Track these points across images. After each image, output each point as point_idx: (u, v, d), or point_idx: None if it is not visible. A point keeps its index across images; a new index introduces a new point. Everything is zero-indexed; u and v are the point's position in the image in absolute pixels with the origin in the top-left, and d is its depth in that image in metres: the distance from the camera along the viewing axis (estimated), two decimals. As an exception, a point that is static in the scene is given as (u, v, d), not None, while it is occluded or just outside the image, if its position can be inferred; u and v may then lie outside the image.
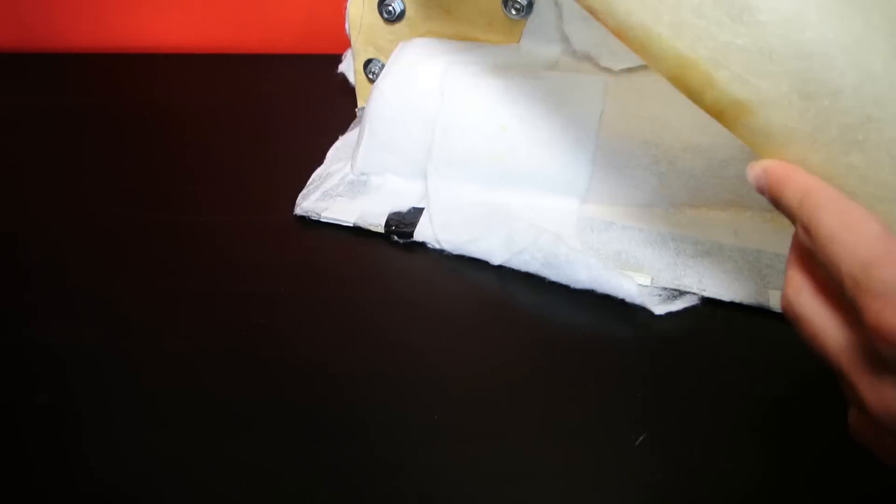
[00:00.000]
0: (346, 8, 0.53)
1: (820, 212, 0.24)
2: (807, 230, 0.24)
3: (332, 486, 0.33)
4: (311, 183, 0.52)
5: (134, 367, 0.39)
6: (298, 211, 0.49)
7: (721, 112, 0.28)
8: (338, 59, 0.62)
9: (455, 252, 0.45)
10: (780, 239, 0.43)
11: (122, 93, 0.66)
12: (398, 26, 0.52)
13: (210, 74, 0.69)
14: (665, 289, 0.42)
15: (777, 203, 0.27)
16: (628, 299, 0.41)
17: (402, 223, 0.47)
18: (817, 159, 0.26)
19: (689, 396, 0.36)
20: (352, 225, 0.48)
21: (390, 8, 0.51)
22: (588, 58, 0.46)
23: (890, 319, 0.21)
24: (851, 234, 0.23)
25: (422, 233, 0.46)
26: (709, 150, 0.44)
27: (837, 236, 0.23)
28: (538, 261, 0.43)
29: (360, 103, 0.57)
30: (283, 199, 0.50)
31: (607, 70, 0.46)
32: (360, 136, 0.51)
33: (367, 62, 0.54)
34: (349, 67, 0.59)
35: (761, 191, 0.27)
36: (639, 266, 0.43)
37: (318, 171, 0.53)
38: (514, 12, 0.48)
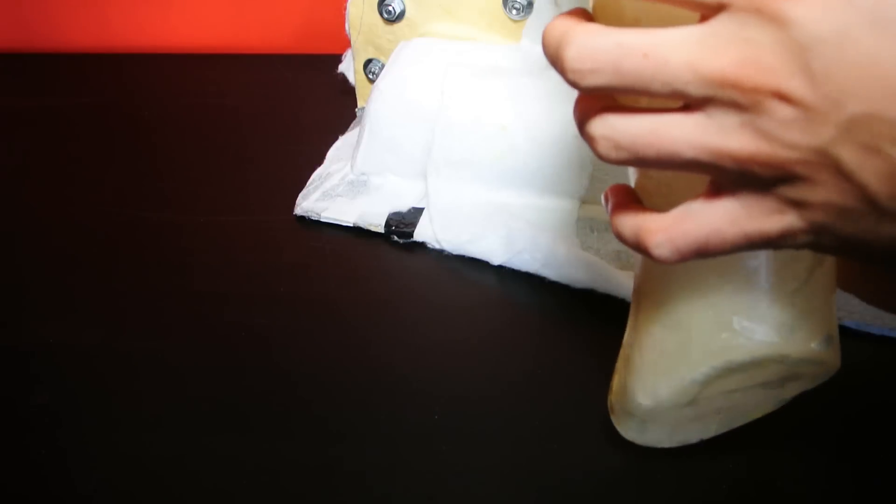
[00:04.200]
0: (346, 8, 0.53)
1: None
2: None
3: (331, 486, 0.33)
4: (311, 183, 0.52)
5: (133, 368, 0.39)
6: (298, 211, 0.49)
7: None
8: (338, 59, 0.62)
9: (455, 252, 0.45)
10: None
11: (121, 93, 0.66)
12: (398, 26, 0.52)
13: (210, 74, 0.69)
14: (665, 289, 0.42)
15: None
16: (628, 299, 0.41)
17: (402, 223, 0.47)
18: None
19: (689, 396, 0.36)
20: (352, 225, 0.48)
21: (390, 8, 0.51)
22: (588, 58, 0.46)
23: None
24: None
25: (422, 233, 0.46)
26: (709, 150, 0.44)
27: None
28: (538, 261, 0.43)
29: (360, 103, 0.58)
30: (283, 199, 0.50)
31: (607, 70, 0.46)
32: (360, 136, 0.51)
33: (367, 62, 0.54)
34: (349, 67, 0.59)
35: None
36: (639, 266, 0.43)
37: (318, 171, 0.53)
38: (514, 12, 0.48)
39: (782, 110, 0.20)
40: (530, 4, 0.48)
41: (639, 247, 0.24)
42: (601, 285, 0.41)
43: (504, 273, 0.44)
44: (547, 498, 0.32)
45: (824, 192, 0.21)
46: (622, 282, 0.41)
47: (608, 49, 0.21)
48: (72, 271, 0.46)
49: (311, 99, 0.63)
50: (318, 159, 0.54)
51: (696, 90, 0.20)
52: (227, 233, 0.48)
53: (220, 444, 0.35)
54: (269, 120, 0.61)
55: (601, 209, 0.46)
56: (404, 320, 0.42)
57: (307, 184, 0.51)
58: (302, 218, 0.49)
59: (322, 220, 0.48)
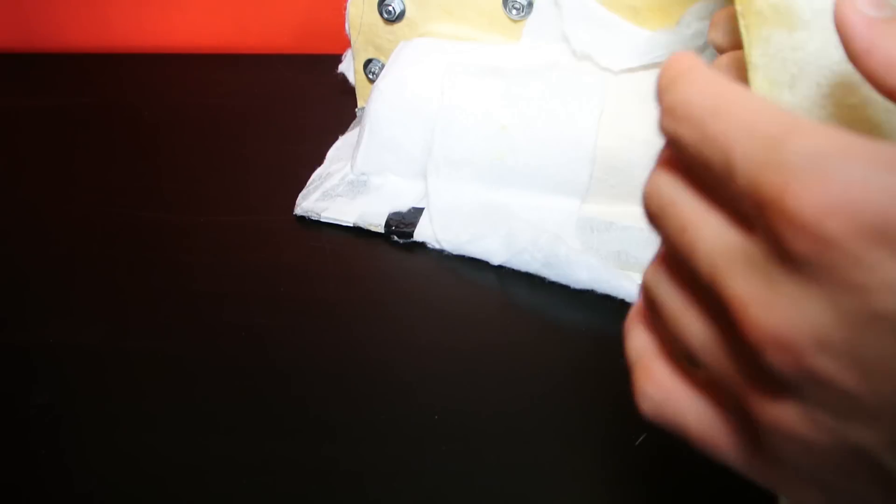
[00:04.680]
0: (346, 8, 0.53)
1: (691, 84, 0.19)
2: (672, 112, 0.19)
3: (330, 486, 0.33)
4: (311, 183, 0.52)
5: (133, 367, 0.39)
6: (298, 211, 0.49)
7: None
8: (338, 59, 0.62)
9: (455, 252, 0.45)
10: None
11: (122, 93, 0.66)
12: (398, 26, 0.52)
13: (210, 74, 0.68)
14: (665, 289, 0.42)
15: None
16: (628, 299, 0.41)
17: (402, 223, 0.47)
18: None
19: (689, 396, 0.36)
20: (352, 225, 0.48)
21: (390, 8, 0.51)
22: (588, 58, 0.46)
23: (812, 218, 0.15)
24: (744, 105, 0.17)
25: (422, 233, 0.46)
26: (709, 150, 0.44)
27: (724, 109, 0.17)
28: (538, 261, 0.43)
29: (360, 103, 0.57)
30: (283, 199, 0.50)
31: (607, 70, 0.46)
32: (360, 136, 0.51)
33: (367, 62, 0.54)
34: (349, 67, 0.59)
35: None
36: (639, 266, 0.43)
37: (318, 171, 0.53)
38: (514, 12, 0.48)
39: (807, 387, 0.16)
40: (530, 4, 0.48)
41: (631, 373, 0.22)
42: (601, 285, 0.41)
43: (504, 273, 0.44)
44: (546, 497, 0.32)
45: (848, 486, 0.17)
46: (622, 282, 0.41)
47: (660, 193, 0.21)
48: (72, 271, 0.46)
49: (311, 99, 0.63)
50: (318, 159, 0.54)
51: (712, 294, 0.18)
52: (227, 233, 0.48)
53: (219, 443, 0.35)
54: (269, 120, 0.61)
55: (601, 209, 0.47)
56: (404, 320, 0.42)
57: (307, 184, 0.51)
58: (302, 218, 0.49)
59: (322, 220, 0.48)
